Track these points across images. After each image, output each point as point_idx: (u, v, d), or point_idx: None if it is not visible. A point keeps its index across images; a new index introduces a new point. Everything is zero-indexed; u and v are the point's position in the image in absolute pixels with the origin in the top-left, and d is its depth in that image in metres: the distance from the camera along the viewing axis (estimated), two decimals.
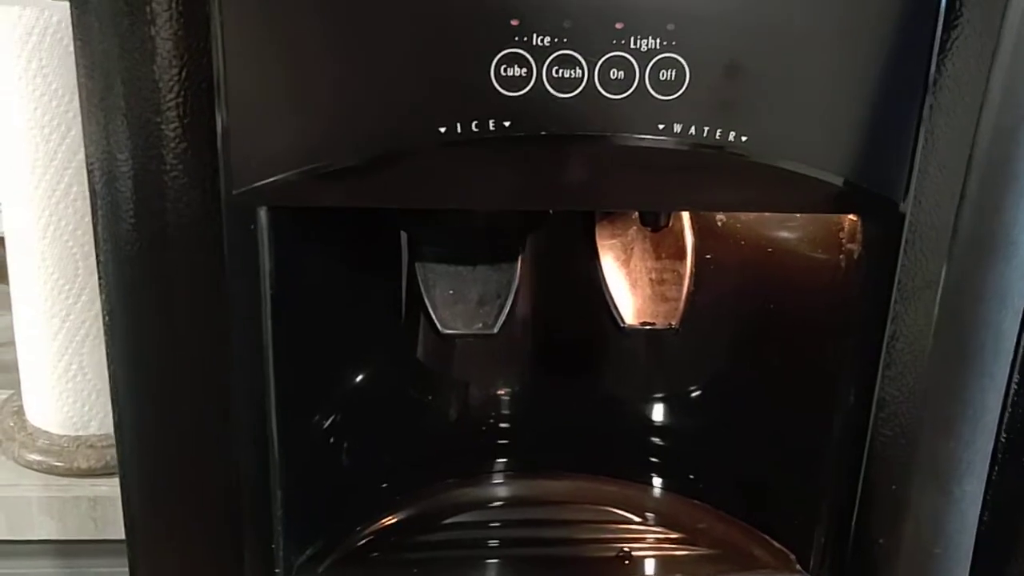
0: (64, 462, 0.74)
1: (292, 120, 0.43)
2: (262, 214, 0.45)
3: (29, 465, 0.75)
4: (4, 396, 0.83)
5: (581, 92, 0.43)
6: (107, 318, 0.48)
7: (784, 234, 0.56)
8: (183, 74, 0.43)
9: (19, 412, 0.79)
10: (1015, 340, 0.46)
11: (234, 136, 0.43)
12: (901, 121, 0.46)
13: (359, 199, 0.45)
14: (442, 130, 0.43)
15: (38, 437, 0.77)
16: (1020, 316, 0.46)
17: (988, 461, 0.48)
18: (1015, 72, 0.42)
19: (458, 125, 0.43)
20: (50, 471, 0.75)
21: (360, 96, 0.43)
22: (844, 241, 0.50)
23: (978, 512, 0.49)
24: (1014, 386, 0.53)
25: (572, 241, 0.59)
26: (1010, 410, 0.53)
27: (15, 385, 0.79)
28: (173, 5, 0.42)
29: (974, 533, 0.49)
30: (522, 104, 0.43)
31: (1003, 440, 0.54)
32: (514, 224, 0.56)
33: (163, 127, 0.44)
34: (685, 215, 0.58)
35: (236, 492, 0.49)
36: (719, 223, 0.58)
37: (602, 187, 0.46)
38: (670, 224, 0.56)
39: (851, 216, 0.49)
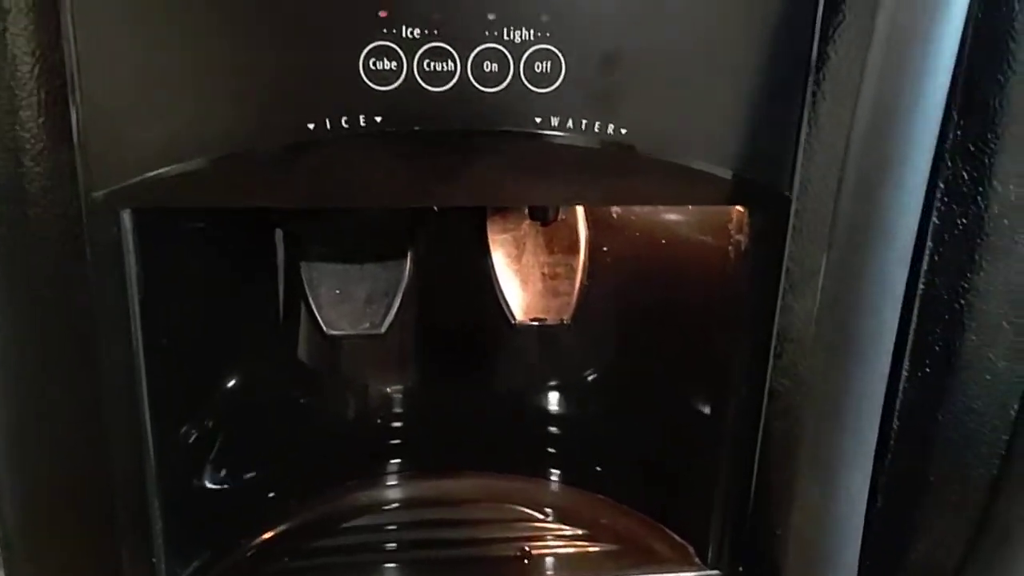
0: None
1: (151, 118, 0.41)
2: (125, 216, 0.43)
3: None
4: None
5: (454, 85, 0.42)
6: None
7: (678, 225, 0.55)
8: (35, 71, 0.41)
9: None
10: (895, 328, 0.46)
11: (91, 136, 0.41)
12: (784, 110, 0.46)
13: (228, 199, 0.43)
14: (311, 127, 0.41)
15: None
16: (900, 304, 0.46)
17: (873, 449, 0.48)
18: (890, 58, 0.41)
19: (327, 121, 0.41)
20: None
21: (223, 92, 0.41)
22: (732, 232, 0.49)
23: (865, 499, 0.49)
24: (904, 372, 0.53)
25: (463, 236, 0.58)
26: (901, 396, 0.53)
27: None
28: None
29: (862, 520, 0.49)
30: (393, 98, 0.42)
31: (895, 427, 0.54)
32: (403, 220, 0.54)
33: (17, 128, 0.41)
34: (579, 208, 0.58)
35: (111, 503, 0.47)
36: (614, 215, 0.58)
37: (480, 182, 0.45)
38: (558, 217, 0.56)
39: (738, 207, 0.49)
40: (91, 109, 0.41)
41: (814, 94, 0.46)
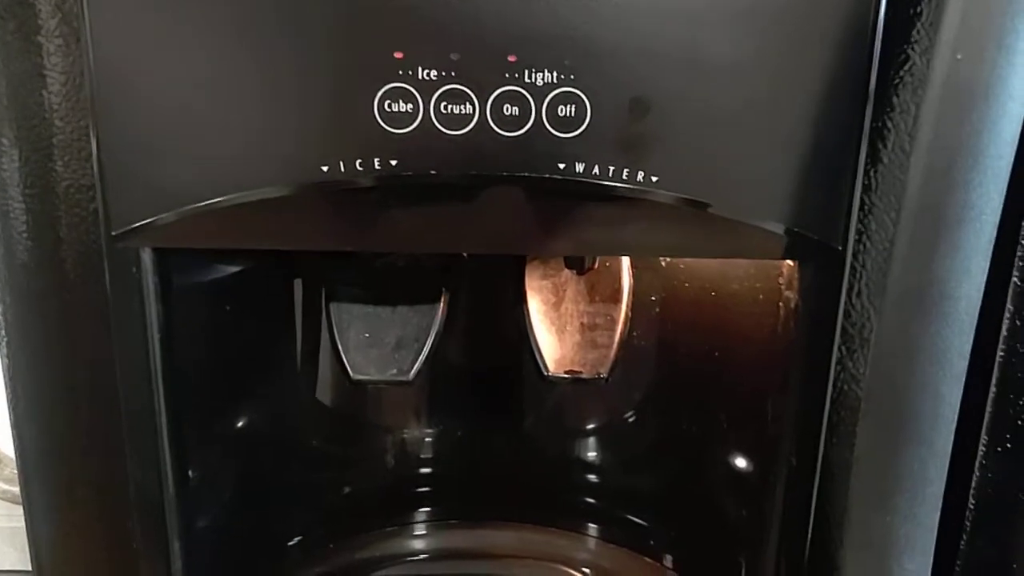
0: None
1: (166, 160, 0.41)
2: (145, 256, 0.43)
3: None
4: None
5: (472, 129, 0.40)
6: (7, 355, 0.46)
7: (728, 277, 0.51)
8: (62, 109, 0.41)
9: None
10: (957, 404, 0.41)
11: (110, 177, 0.41)
12: (836, 157, 0.42)
13: (243, 240, 0.43)
14: (324, 169, 0.40)
15: (7, 465, 0.76)
16: (962, 378, 0.41)
17: (934, 534, 0.44)
18: (947, 104, 0.37)
19: (341, 164, 0.40)
20: (15, 500, 0.74)
21: (237, 136, 0.40)
22: (783, 287, 0.46)
23: None
24: (982, 448, 0.48)
25: (499, 282, 0.55)
26: (978, 474, 0.48)
27: None
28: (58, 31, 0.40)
29: None
30: (409, 141, 0.40)
31: (971, 507, 0.49)
32: (436, 264, 0.53)
33: (46, 167, 0.42)
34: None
35: (131, 544, 0.47)
36: (661, 264, 0.54)
37: (499, 230, 0.43)
38: (596, 266, 0.53)
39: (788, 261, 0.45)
40: (110, 151, 0.41)
41: (872, 140, 0.42)
